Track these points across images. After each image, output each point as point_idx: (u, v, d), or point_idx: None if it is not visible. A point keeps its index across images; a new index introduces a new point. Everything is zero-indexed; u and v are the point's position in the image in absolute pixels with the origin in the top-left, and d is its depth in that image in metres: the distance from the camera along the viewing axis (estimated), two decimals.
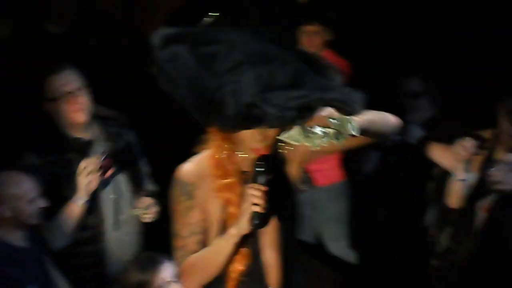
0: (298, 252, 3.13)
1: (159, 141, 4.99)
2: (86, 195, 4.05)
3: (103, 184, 4.15)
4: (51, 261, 3.99)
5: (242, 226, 2.87)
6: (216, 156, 2.98)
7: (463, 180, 4.23)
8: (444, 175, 4.40)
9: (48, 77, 4.13)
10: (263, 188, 2.85)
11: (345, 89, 2.90)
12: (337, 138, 2.79)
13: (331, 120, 2.77)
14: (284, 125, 2.79)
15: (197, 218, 2.99)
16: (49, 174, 4.06)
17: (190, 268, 2.99)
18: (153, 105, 4.99)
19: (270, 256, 3.01)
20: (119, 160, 4.21)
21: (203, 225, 3.00)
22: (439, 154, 4.47)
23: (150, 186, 4.40)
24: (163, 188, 4.18)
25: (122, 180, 4.26)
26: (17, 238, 3.88)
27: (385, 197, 5.04)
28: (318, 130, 2.78)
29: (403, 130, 4.69)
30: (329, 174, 5.05)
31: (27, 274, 3.82)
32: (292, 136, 2.81)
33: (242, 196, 2.91)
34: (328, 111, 2.76)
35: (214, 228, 2.99)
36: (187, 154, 3.09)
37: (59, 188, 4.08)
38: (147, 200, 4.27)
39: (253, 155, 2.90)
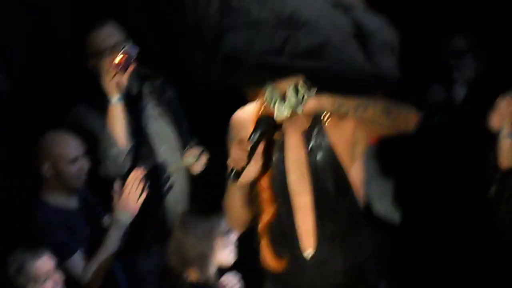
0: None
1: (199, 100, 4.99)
2: (119, 93, 4.09)
3: (155, 136, 4.25)
4: (101, 221, 4.05)
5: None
6: (259, 106, 3.03)
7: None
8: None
9: (91, 33, 4.17)
10: (248, 146, 2.87)
11: (382, 59, 2.81)
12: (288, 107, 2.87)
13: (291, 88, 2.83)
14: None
15: None
16: (92, 130, 4.14)
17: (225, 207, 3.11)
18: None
19: (305, 219, 3.03)
20: (165, 112, 4.32)
21: None
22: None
23: (193, 140, 4.45)
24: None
25: (170, 132, 4.33)
26: (65, 201, 3.92)
27: (430, 157, 4.99)
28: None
29: (448, 89, 4.70)
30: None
31: (77, 236, 3.87)
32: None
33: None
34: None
35: None
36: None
37: (100, 144, 4.14)
38: (196, 150, 4.34)
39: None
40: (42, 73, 4.66)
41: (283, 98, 2.87)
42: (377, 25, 2.82)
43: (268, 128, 2.93)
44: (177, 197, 4.34)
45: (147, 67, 4.37)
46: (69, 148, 3.90)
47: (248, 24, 2.72)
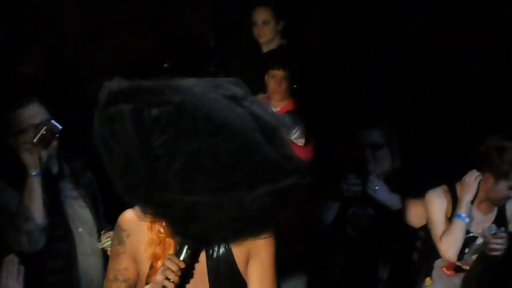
0: None
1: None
2: (38, 167, 4.07)
3: (73, 217, 4.21)
4: None
5: None
6: None
7: None
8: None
9: (15, 110, 4.15)
10: (182, 265, 2.77)
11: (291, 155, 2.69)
12: None
13: None
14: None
15: (123, 265, 2.95)
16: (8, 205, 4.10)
17: None
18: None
19: None
20: (84, 195, 4.28)
21: (129, 274, 2.96)
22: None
23: (109, 224, 4.37)
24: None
25: (87, 214, 4.29)
26: None
27: (344, 248, 5.05)
28: None
29: (363, 182, 4.79)
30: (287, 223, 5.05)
31: None
32: None
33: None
34: None
35: (141, 280, 2.94)
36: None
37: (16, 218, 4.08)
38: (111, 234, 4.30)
39: None
40: None
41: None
42: (275, 117, 2.75)
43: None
44: (93, 278, 4.28)
45: (67, 147, 4.38)
46: None
47: None
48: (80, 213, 4.28)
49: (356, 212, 4.92)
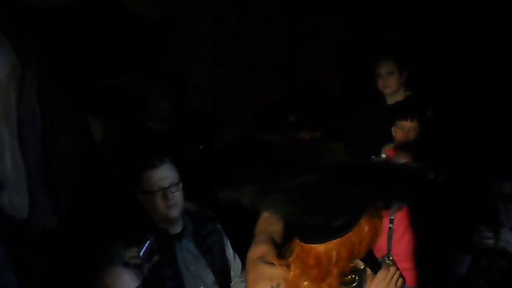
0: None
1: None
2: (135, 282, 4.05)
3: (193, 275, 4.20)
4: None
5: None
6: None
7: None
8: None
9: (147, 170, 4.17)
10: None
11: None
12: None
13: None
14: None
15: None
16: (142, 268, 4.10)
17: None
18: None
19: None
20: (206, 253, 4.28)
21: None
22: None
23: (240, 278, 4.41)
24: None
25: (209, 273, 4.28)
26: None
27: None
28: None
29: (495, 234, 4.69)
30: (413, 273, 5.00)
31: None
32: None
33: None
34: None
35: None
36: None
37: (152, 281, 4.11)
38: None
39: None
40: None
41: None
42: None
43: None
44: None
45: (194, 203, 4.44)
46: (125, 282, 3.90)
47: None
48: (201, 273, 4.27)
49: (489, 264, 4.81)
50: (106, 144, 5.46)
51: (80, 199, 4.83)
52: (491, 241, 4.73)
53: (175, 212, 4.19)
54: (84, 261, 4.14)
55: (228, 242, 4.42)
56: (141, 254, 4.02)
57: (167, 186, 4.15)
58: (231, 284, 4.37)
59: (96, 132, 5.67)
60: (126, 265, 4.05)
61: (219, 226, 4.42)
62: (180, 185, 4.20)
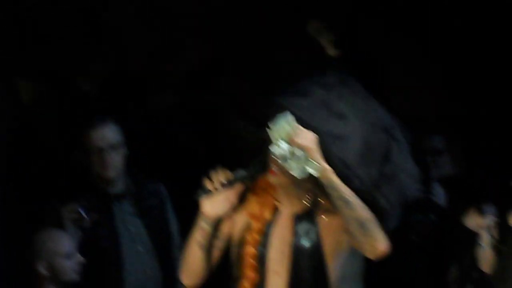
0: None
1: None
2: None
3: (131, 235, 4.24)
4: None
5: None
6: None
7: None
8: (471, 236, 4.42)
9: (86, 129, 4.21)
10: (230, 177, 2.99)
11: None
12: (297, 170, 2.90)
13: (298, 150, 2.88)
14: None
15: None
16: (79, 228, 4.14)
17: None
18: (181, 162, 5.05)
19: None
20: (147, 215, 4.30)
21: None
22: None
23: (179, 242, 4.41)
24: None
25: (149, 235, 4.31)
26: None
27: (407, 254, 5.04)
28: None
29: (426, 188, 4.79)
30: None
31: None
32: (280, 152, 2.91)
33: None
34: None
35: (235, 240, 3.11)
36: None
37: (88, 241, 4.14)
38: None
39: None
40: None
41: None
42: None
43: (256, 173, 3.02)
44: None
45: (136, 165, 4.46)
46: (62, 244, 3.93)
47: None
48: (141, 234, 4.30)
49: (419, 219, 4.92)
50: (38, 105, 5.36)
51: (14, 162, 4.78)
52: (423, 194, 4.82)
53: (110, 173, 4.21)
54: (22, 224, 4.13)
55: (170, 206, 4.46)
56: (79, 210, 4.04)
57: (104, 146, 4.17)
58: None
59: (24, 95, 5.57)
60: (64, 225, 4.06)
61: (161, 188, 4.44)
62: (121, 147, 4.22)
